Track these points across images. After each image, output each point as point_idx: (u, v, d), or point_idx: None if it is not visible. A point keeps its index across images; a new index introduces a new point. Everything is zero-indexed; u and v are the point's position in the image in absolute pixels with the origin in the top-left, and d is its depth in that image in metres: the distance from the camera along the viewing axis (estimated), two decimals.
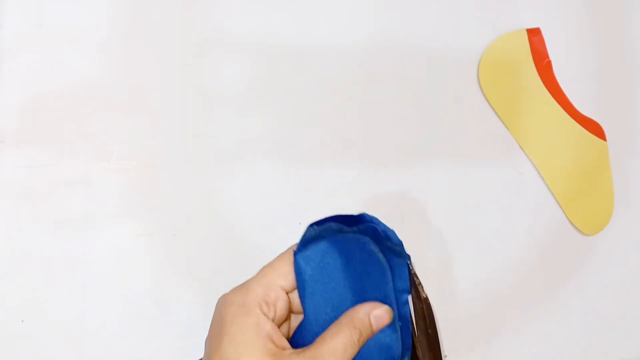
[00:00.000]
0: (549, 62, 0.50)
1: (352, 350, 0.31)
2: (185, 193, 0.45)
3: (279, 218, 0.46)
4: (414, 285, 0.33)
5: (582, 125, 0.50)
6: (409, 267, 0.33)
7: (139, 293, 0.44)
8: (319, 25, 0.48)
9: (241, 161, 0.46)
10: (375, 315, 0.32)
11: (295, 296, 0.33)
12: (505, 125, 0.49)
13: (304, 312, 0.32)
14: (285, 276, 0.32)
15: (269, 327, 0.30)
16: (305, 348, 0.30)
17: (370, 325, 0.32)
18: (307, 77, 0.48)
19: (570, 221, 0.50)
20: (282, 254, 0.33)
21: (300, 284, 0.32)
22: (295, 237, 0.46)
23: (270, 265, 0.33)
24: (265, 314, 0.30)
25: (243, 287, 0.31)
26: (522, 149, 0.50)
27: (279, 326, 0.33)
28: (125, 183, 0.45)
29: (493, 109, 0.49)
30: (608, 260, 0.50)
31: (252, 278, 0.32)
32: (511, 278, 0.49)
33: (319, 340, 0.31)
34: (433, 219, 0.48)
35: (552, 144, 0.50)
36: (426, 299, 0.32)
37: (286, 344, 0.31)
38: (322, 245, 0.32)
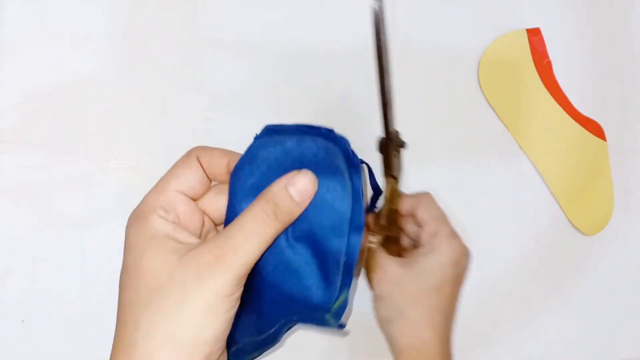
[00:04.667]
0: (549, 62, 0.50)
1: (267, 224, 0.28)
2: None
3: None
4: None
5: (582, 125, 0.50)
6: None
7: None
8: (319, 25, 0.48)
9: None
10: (293, 185, 0.29)
11: (213, 203, 0.32)
12: (505, 125, 0.49)
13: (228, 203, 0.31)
14: (178, 178, 0.31)
15: (168, 227, 0.29)
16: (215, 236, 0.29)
17: (290, 196, 0.29)
18: (307, 77, 0.48)
19: (570, 221, 0.50)
20: (180, 158, 0.32)
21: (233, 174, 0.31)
22: None
23: (167, 172, 0.32)
24: (163, 217, 0.30)
25: (141, 200, 0.31)
26: (522, 149, 0.50)
27: (203, 234, 0.32)
28: (125, 183, 0.45)
29: (493, 109, 0.49)
30: (608, 260, 0.50)
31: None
32: (511, 278, 0.49)
33: (229, 224, 0.29)
34: None
35: (552, 144, 0.50)
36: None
37: (195, 240, 0.29)
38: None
